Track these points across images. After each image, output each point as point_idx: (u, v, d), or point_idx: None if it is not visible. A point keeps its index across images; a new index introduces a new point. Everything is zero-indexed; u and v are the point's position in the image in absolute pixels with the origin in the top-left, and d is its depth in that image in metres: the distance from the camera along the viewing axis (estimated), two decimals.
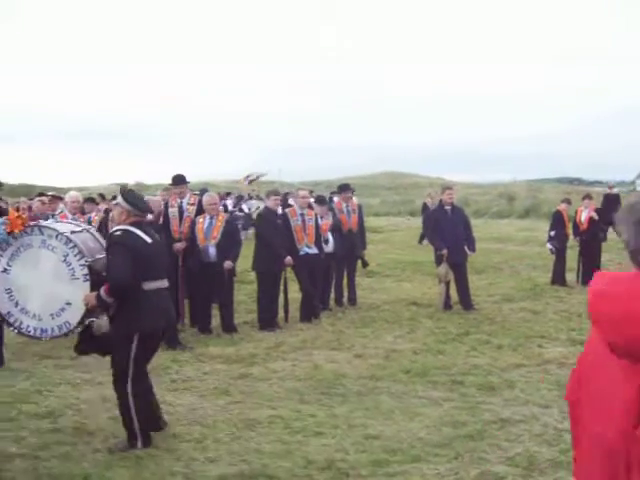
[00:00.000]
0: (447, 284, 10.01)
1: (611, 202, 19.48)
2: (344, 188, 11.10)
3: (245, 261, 9.77)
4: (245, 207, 24.21)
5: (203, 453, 4.69)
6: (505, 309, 10.06)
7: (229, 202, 25.63)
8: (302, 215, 9.42)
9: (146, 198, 8.23)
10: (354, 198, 11.78)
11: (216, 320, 8.82)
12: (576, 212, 13.09)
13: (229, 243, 8.61)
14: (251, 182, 29.13)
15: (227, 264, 8.52)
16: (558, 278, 12.42)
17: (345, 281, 10.67)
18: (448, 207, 10.19)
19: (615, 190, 21.00)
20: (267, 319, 8.85)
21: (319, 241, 9.54)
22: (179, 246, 8.58)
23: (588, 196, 13.33)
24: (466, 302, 9.99)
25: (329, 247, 9.91)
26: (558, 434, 4.94)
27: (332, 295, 10.54)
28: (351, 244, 10.44)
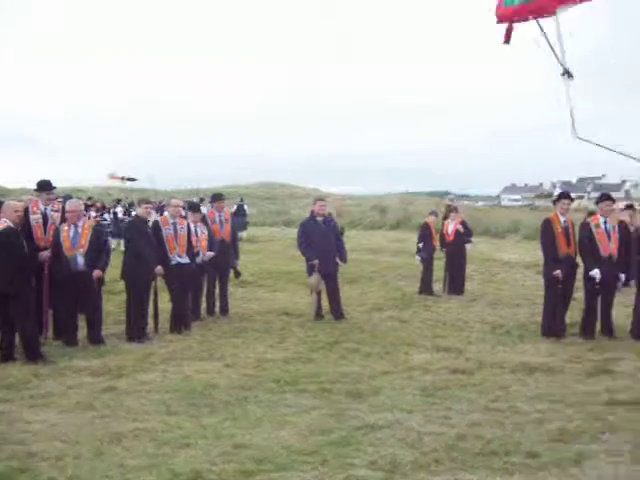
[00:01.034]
0: (319, 294, 10.17)
1: (449, 211, 20.86)
2: (217, 197, 11.02)
3: (114, 270, 9.47)
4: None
5: (62, 472, 4.47)
6: (375, 318, 10.35)
7: (119, 209, 24.84)
8: (174, 224, 9.27)
9: (6, 203, 7.83)
10: (226, 207, 11.71)
11: (82, 332, 8.47)
12: (443, 224, 13.68)
13: (97, 252, 8.35)
14: (115, 179, 28.62)
15: (96, 273, 8.26)
16: (426, 288, 12.92)
17: (217, 291, 10.59)
18: (320, 218, 10.36)
19: (454, 203, 22.30)
20: (136, 330, 8.61)
21: (191, 251, 9.42)
22: (45, 255, 8.23)
23: (454, 209, 13.97)
24: (337, 311, 10.18)
25: (199, 259, 9.81)
26: (420, 437, 5.13)
27: (204, 305, 10.43)
28: (224, 254, 10.38)
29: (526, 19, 4.17)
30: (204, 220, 10.39)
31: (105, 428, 5.31)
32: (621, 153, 3.82)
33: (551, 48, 3.94)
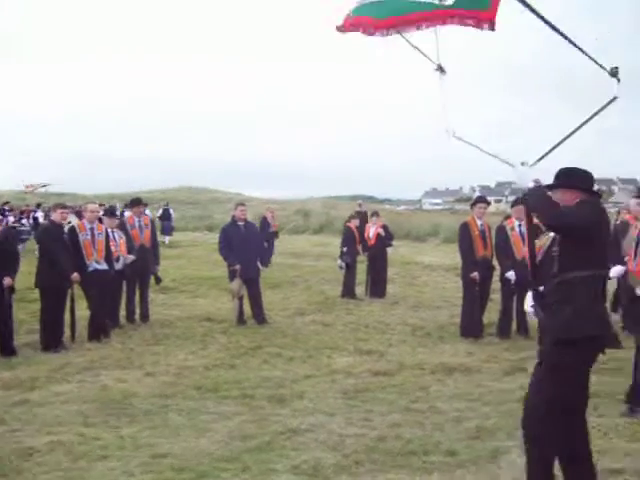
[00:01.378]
0: (240, 299, 10.10)
1: (362, 219, 21.32)
2: (135, 202, 10.80)
3: (27, 278, 9.13)
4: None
5: None
6: (297, 322, 10.36)
7: (40, 214, 23.99)
8: (91, 229, 9.01)
9: None
10: (147, 211, 11.50)
11: None
12: (365, 228, 13.83)
13: (6, 258, 8.03)
14: (32, 191, 27.86)
15: (7, 281, 7.94)
16: (348, 291, 13.02)
17: (137, 297, 10.36)
18: (241, 223, 10.30)
19: (364, 208, 22.84)
20: (51, 339, 8.32)
21: (110, 257, 9.19)
22: None
23: (376, 213, 14.16)
24: (259, 316, 10.14)
25: (119, 264, 9.59)
26: (342, 440, 5.16)
27: (123, 312, 10.19)
28: (144, 259, 10.18)
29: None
30: (122, 225, 10.16)
31: (17, 443, 5.10)
32: (490, 154, 3.91)
33: (414, 47, 3.98)
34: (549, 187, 4.02)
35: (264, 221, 20.06)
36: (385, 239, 13.50)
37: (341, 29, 4.22)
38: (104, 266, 9.04)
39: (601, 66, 3.81)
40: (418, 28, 4.00)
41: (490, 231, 9.36)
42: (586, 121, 3.89)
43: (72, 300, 8.73)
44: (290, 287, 14.54)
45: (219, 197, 49.13)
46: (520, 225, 9.19)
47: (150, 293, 10.84)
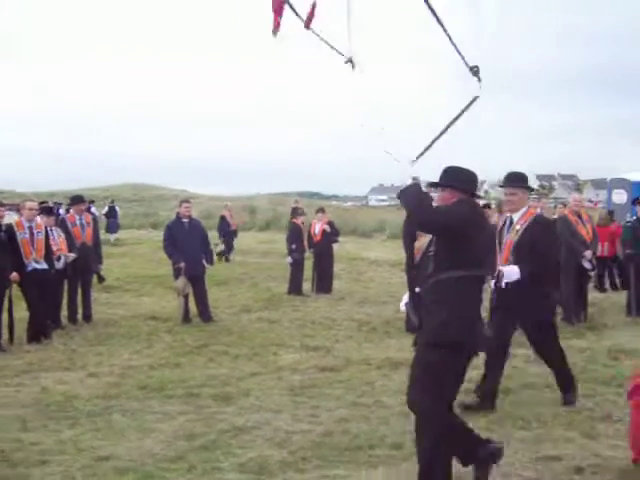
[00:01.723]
0: (186, 297, 10.00)
1: (297, 213, 21.69)
2: (77, 200, 10.55)
3: None
4: None
5: None
6: (243, 319, 10.31)
7: None
8: (30, 228, 8.78)
9: None
10: (93, 209, 11.27)
11: None
12: (310, 225, 13.84)
13: None
14: None
15: None
16: (295, 288, 13.02)
17: (80, 297, 10.14)
18: (186, 220, 10.19)
19: (301, 204, 23.11)
20: None
21: (49, 256, 8.96)
22: None
23: (321, 209, 14.19)
24: (205, 314, 10.06)
25: (60, 264, 9.37)
26: (288, 437, 5.16)
27: (65, 312, 9.96)
28: (86, 258, 9.97)
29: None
30: (63, 224, 9.93)
31: None
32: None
33: (320, 38, 3.94)
34: (431, 185, 4.10)
35: (223, 220, 19.90)
36: (331, 235, 13.55)
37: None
38: (44, 265, 8.82)
39: (467, 65, 3.78)
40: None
41: None
42: (453, 121, 3.83)
43: (10, 301, 8.49)
44: (236, 284, 14.46)
45: (164, 194, 48.54)
46: None
47: (93, 292, 10.64)
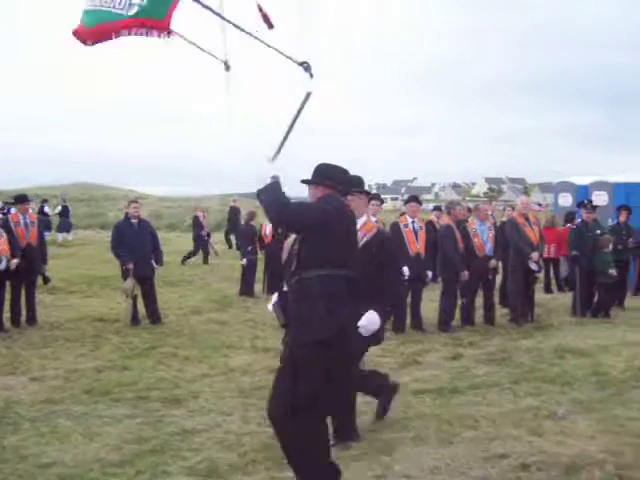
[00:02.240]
0: (134, 299, 9.82)
1: (234, 212, 22.77)
2: (21, 199, 10.26)
3: None
4: None
5: None
6: (194, 321, 10.18)
7: None
8: None
9: None
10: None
11: None
12: (261, 226, 13.77)
13: None
14: None
15: None
16: (247, 289, 12.93)
17: (23, 299, 9.86)
18: (134, 220, 10.02)
19: (238, 204, 23.26)
20: None
21: None
22: None
23: None
24: (154, 316, 9.91)
25: (2, 265, 9.09)
26: (238, 439, 5.11)
27: (8, 315, 9.67)
28: (30, 259, 9.71)
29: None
30: (5, 224, 9.66)
31: None
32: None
33: (190, 42, 3.93)
34: (302, 182, 4.06)
35: (196, 220, 19.50)
36: (282, 236, 13.49)
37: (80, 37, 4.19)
38: None
39: (296, 61, 3.73)
40: (116, 36, 4.06)
41: (384, 228, 9.52)
42: (294, 119, 3.79)
43: None
44: (187, 285, 14.30)
45: (113, 194, 47.69)
46: (414, 222, 9.43)
47: (37, 294, 10.36)
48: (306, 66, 3.69)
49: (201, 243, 19.22)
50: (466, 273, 9.53)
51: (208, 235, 19.62)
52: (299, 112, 3.75)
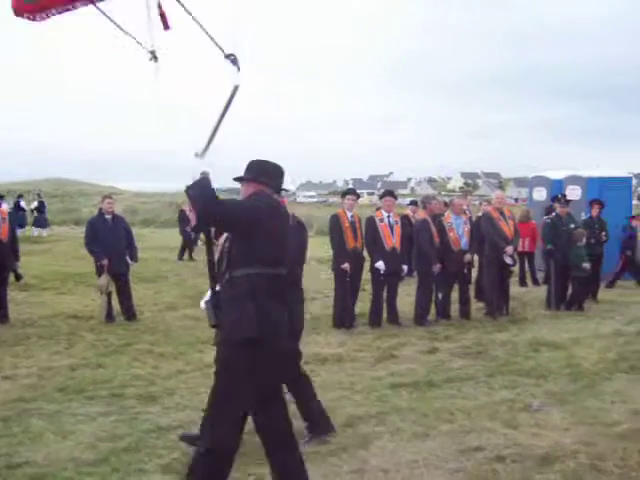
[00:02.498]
0: (109, 295, 9.72)
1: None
2: None
3: None
4: None
5: None
6: (169, 317, 10.11)
7: None
8: None
9: None
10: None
11: None
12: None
13: None
14: None
15: None
16: None
17: None
18: (109, 216, 9.91)
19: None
20: None
21: None
22: None
23: None
24: (129, 312, 9.81)
25: None
26: None
27: None
28: (2, 255, 9.57)
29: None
30: None
31: None
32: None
33: (118, 27, 3.75)
34: (234, 179, 4.00)
35: (182, 215, 19.01)
36: None
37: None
38: None
39: (223, 52, 3.61)
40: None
41: (360, 223, 9.53)
42: (223, 113, 3.66)
43: None
44: (162, 282, 14.19)
45: (87, 189, 47.30)
46: (389, 216, 9.44)
47: (9, 291, 10.21)
48: (233, 59, 3.57)
49: (187, 238, 18.93)
50: (438, 266, 9.56)
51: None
52: (227, 106, 3.63)
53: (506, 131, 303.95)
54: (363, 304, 9.92)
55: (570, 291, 10.84)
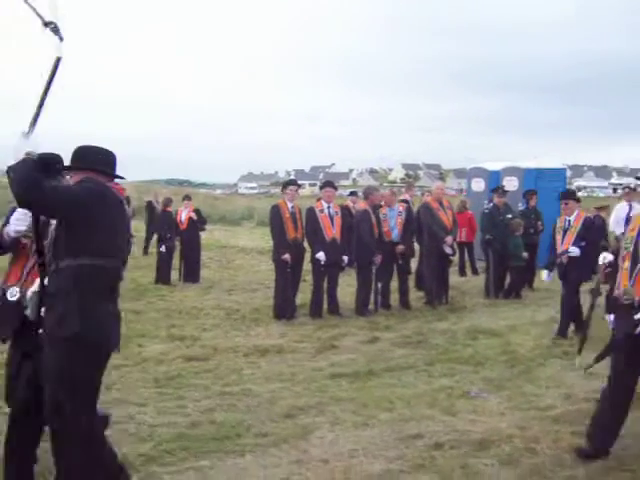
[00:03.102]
0: None
1: (128, 200, 20.84)
2: None
3: None
4: None
5: None
6: None
7: None
8: None
9: None
10: None
11: None
12: (177, 212, 13.51)
13: None
14: None
15: None
16: (162, 277, 12.65)
17: None
18: None
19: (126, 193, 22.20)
20: None
21: None
22: None
23: (187, 197, 13.88)
24: None
25: None
26: (152, 430, 4.98)
27: None
28: None
29: None
30: None
31: None
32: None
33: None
34: (63, 168, 3.65)
35: (150, 206, 18.07)
36: (197, 223, 13.31)
37: None
38: None
39: (42, 19, 3.40)
40: None
41: (301, 213, 9.49)
42: (46, 88, 3.43)
43: None
44: None
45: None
46: (329, 207, 9.44)
47: None
48: (53, 27, 3.32)
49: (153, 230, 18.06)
50: (379, 257, 9.62)
51: None
52: (51, 80, 3.39)
53: (447, 123, 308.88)
54: (304, 295, 9.92)
55: (508, 280, 11.08)
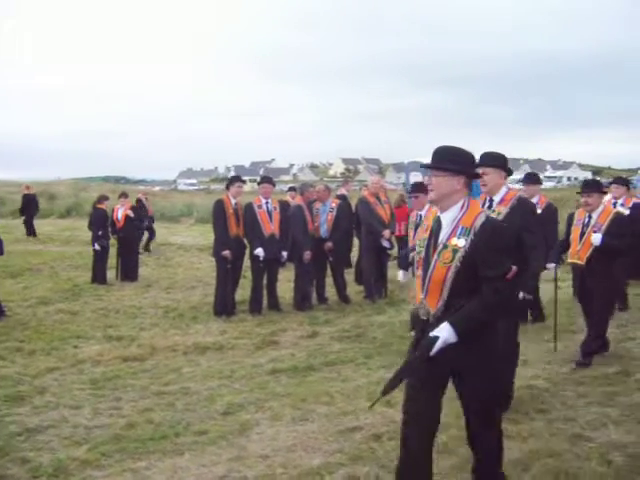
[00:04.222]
0: None
1: (30, 201, 21.45)
2: None
3: None
4: None
5: None
6: (40, 312, 9.60)
7: None
8: None
9: None
10: None
11: None
12: (113, 210, 13.25)
13: None
14: None
15: None
16: (99, 276, 12.39)
17: None
18: None
19: (33, 191, 22.13)
20: None
21: None
22: None
23: (124, 194, 13.62)
24: None
25: None
26: (88, 433, 4.91)
27: None
28: None
29: None
30: None
31: None
32: None
33: None
34: None
35: (140, 204, 17.55)
36: (134, 221, 13.08)
37: None
38: None
39: None
40: None
41: (242, 210, 9.45)
42: None
43: None
44: (33, 275, 13.46)
45: None
46: (267, 203, 9.41)
47: None
48: None
49: (151, 224, 17.76)
50: (308, 253, 9.58)
51: (152, 220, 18.09)
52: None
53: (386, 118, 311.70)
54: (243, 291, 9.87)
55: None
